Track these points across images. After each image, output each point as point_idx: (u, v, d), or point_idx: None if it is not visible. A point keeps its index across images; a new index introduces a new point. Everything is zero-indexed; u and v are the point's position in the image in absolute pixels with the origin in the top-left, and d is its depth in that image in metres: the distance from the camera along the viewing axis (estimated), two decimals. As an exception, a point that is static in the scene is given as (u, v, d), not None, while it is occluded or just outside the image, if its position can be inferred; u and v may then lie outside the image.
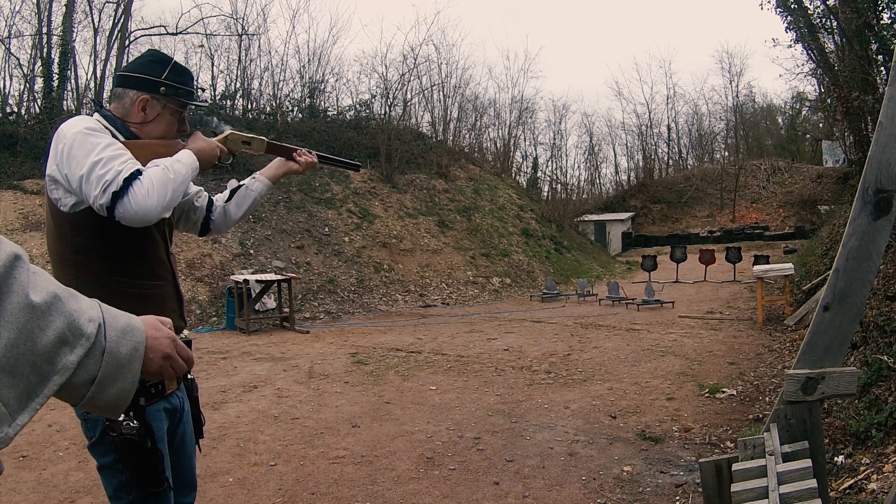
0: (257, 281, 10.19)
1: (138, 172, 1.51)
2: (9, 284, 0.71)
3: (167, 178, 1.55)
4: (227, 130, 1.92)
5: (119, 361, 0.86)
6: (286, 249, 13.15)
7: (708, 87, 70.18)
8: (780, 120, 40.88)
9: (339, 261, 13.56)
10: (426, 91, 23.34)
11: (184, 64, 1.80)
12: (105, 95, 14.81)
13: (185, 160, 1.66)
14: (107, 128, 1.63)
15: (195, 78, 1.86)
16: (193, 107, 1.80)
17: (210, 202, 2.01)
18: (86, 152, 1.50)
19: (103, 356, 0.83)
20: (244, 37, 17.70)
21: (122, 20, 15.08)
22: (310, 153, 2.05)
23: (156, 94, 1.68)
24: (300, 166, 2.02)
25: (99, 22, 15.44)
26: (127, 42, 15.35)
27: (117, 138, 1.62)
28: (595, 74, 69.17)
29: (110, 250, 1.60)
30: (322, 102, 20.96)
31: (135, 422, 1.44)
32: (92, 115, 1.69)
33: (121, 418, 1.50)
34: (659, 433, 4.28)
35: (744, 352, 7.15)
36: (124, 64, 15.05)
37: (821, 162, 32.60)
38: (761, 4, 11.05)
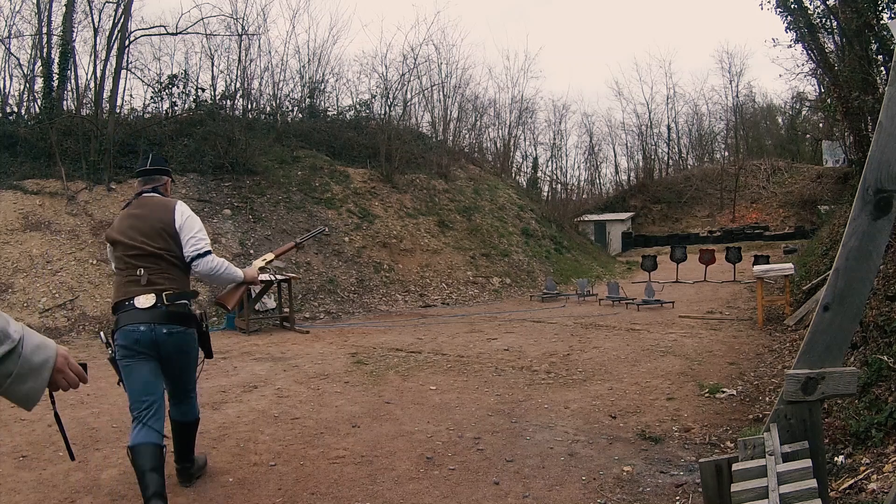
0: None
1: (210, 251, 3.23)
2: None
3: (224, 264, 3.25)
4: (270, 255, 3.89)
5: (32, 366, 1.20)
6: (286, 249, 13.13)
7: (708, 87, 70.22)
8: (780, 120, 40.91)
9: (339, 261, 13.56)
10: (426, 91, 23.32)
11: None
12: (105, 95, 14.79)
13: (238, 270, 3.38)
14: None
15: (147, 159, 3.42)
16: None
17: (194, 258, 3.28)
18: (199, 226, 3.27)
19: (19, 359, 1.17)
20: (244, 37, 17.64)
21: (122, 20, 14.99)
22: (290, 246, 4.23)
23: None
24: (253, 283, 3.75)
25: (99, 22, 15.36)
26: (127, 42, 15.26)
27: None
28: (595, 74, 69.06)
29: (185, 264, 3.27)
30: (322, 102, 20.96)
31: (110, 350, 3.10)
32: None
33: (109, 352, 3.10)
34: (659, 433, 4.28)
35: (744, 352, 7.15)
36: (124, 63, 15.08)
37: (821, 162, 32.61)
38: (761, 4, 11.06)
